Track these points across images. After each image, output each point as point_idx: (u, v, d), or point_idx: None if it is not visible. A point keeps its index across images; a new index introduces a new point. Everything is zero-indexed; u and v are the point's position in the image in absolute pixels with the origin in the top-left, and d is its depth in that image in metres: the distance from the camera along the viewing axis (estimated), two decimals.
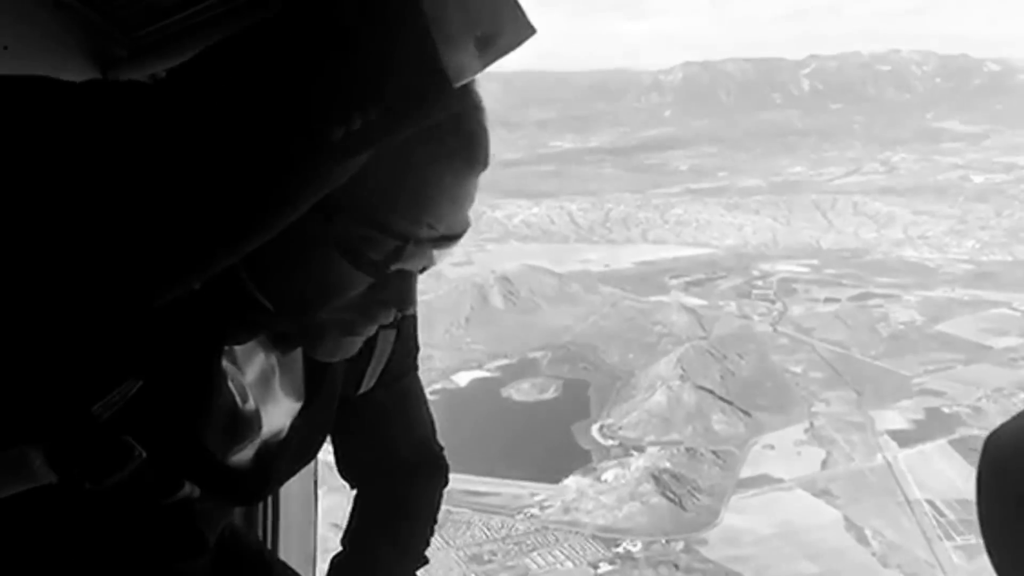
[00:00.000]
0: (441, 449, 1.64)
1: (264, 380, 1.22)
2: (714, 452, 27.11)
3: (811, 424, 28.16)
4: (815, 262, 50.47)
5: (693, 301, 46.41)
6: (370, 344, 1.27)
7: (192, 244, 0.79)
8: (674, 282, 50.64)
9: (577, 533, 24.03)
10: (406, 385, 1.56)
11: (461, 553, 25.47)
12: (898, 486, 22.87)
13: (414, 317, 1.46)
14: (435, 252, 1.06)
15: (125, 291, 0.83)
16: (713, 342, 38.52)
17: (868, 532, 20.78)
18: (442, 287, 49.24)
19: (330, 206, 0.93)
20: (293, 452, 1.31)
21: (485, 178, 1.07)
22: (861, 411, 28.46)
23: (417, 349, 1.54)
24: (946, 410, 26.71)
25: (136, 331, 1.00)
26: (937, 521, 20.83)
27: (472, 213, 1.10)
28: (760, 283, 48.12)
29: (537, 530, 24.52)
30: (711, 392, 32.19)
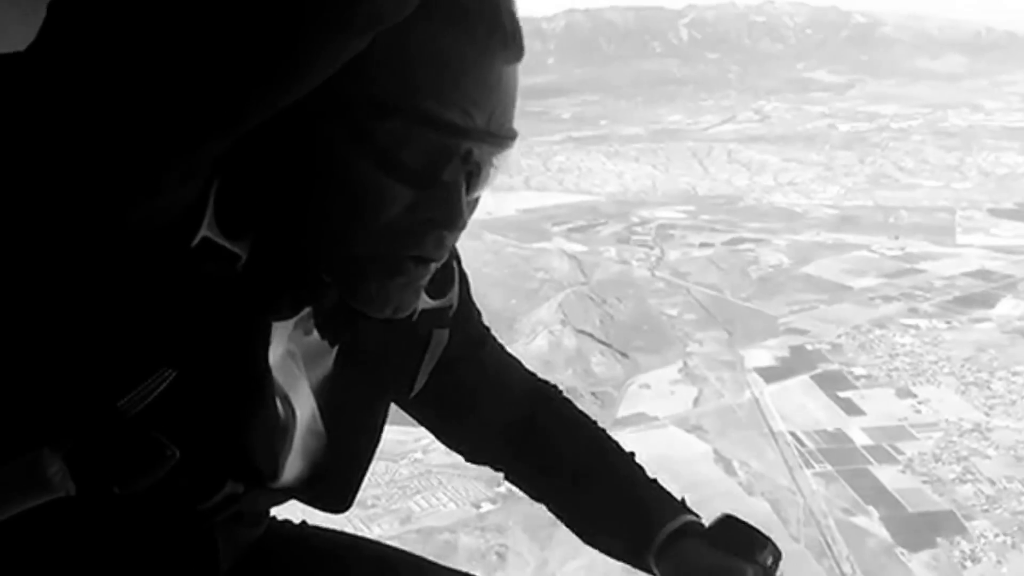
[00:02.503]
0: (547, 383, 1.49)
1: (287, 367, 1.04)
2: (593, 393, 27.87)
3: (685, 364, 29.13)
4: (691, 208, 51.84)
5: (574, 247, 47.04)
6: (422, 341, 1.18)
7: (184, 114, 0.64)
8: (556, 229, 51.12)
9: (460, 475, 24.33)
10: (484, 356, 1.41)
11: None
12: (764, 419, 24.03)
13: (468, 292, 1.33)
14: (480, 158, 0.92)
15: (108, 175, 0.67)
16: (593, 287, 39.31)
17: (735, 463, 21.78)
18: None
19: (354, 102, 0.84)
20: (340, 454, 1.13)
21: None
22: (731, 350, 29.60)
23: (479, 314, 1.40)
24: (809, 347, 28.05)
25: (168, 311, 0.86)
26: (798, 451, 22.00)
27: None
28: (639, 229, 49.06)
29: (421, 474, 24.70)
30: (591, 335, 32.99)
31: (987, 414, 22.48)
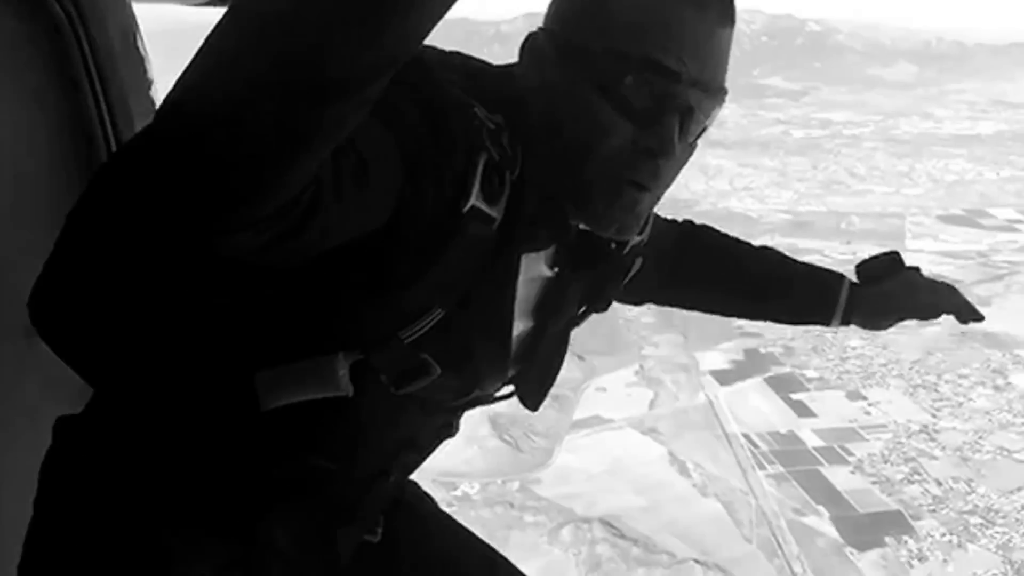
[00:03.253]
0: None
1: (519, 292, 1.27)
2: (550, 395, 27.98)
3: (641, 367, 29.31)
4: None
5: None
6: (625, 267, 1.40)
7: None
8: None
9: (416, 478, 24.21)
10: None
11: None
12: (718, 422, 24.27)
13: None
14: (694, 104, 1.12)
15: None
16: None
17: (690, 465, 21.97)
18: None
19: (597, 54, 1.10)
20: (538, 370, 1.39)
21: None
22: (687, 353, 29.87)
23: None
24: (762, 350, 28.38)
25: (442, 265, 1.10)
26: (752, 452, 22.26)
27: (726, 66, 1.16)
28: None
29: None
30: None
31: (934, 416, 22.96)
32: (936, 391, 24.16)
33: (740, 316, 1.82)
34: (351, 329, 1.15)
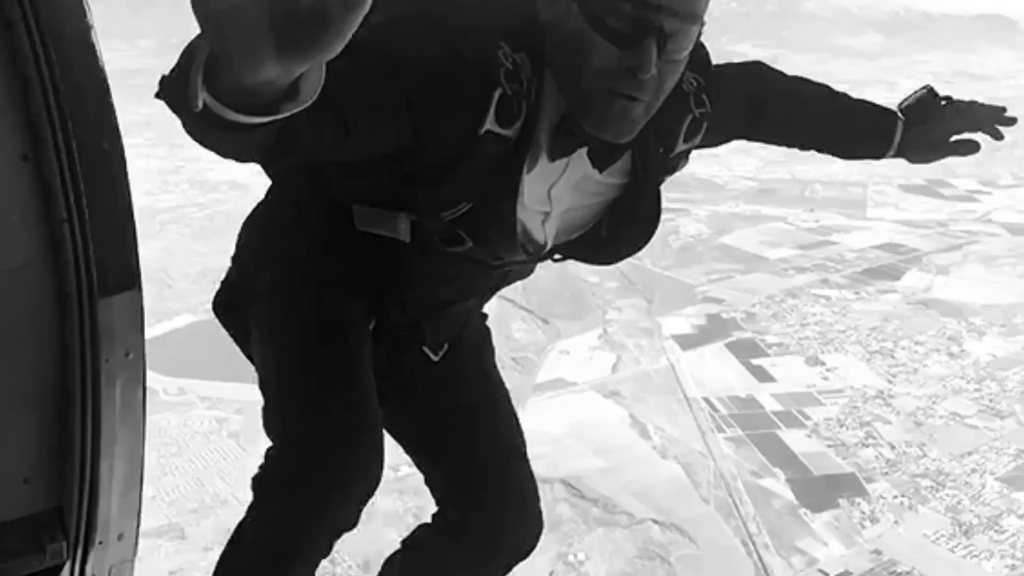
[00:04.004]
0: None
1: (555, 181, 1.74)
2: (513, 359, 28.07)
3: (604, 330, 29.55)
4: None
5: None
6: (671, 123, 1.77)
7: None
8: None
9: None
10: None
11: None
12: (679, 385, 24.56)
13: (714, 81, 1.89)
14: (669, 30, 1.45)
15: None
16: None
17: (650, 428, 22.26)
18: (245, 197, 47.31)
19: None
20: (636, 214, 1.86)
21: None
22: (650, 318, 30.13)
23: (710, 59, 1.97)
24: (724, 316, 28.70)
25: (470, 173, 1.56)
26: (711, 416, 22.58)
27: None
28: None
29: None
30: (512, 302, 33.15)
31: (890, 381, 23.43)
32: (892, 357, 24.63)
33: (805, 148, 2.18)
34: (409, 202, 1.69)
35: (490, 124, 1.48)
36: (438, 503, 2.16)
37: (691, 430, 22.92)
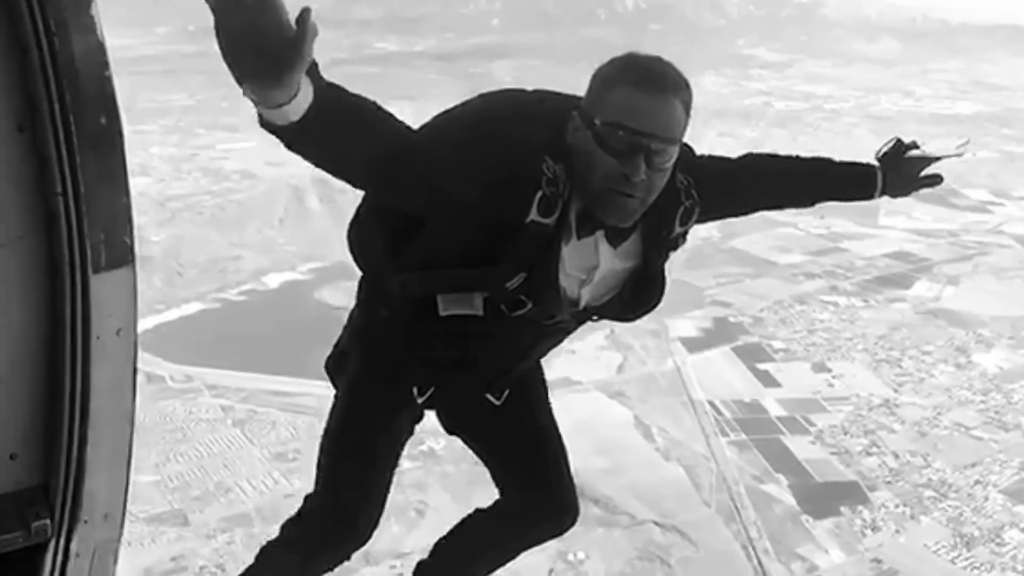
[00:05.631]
0: None
1: (596, 254, 2.32)
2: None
3: (612, 331, 29.30)
4: None
5: None
6: (667, 213, 2.34)
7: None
8: None
9: None
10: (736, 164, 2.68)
11: (266, 452, 25.22)
12: (684, 388, 24.50)
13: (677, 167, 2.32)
14: (654, 149, 2.07)
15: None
16: None
17: (654, 430, 22.19)
18: (257, 187, 47.43)
19: (593, 120, 2.11)
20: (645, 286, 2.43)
21: None
22: (657, 320, 29.96)
23: (697, 156, 2.51)
24: (732, 320, 28.56)
25: (521, 251, 2.16)
26: (716, 419, 22.51)
27: (673, 124, 2.11)
28: None
29: None
30: None
31: (896, 390, 23.32)
32: (899, 366, 24.51)
33: (805, 204, 2.77)
34: (480, 282, 2.21)
35: (533, 215, 2.09)
36: (502, 492, 2.94)
37: (695, 433, 22.82)
